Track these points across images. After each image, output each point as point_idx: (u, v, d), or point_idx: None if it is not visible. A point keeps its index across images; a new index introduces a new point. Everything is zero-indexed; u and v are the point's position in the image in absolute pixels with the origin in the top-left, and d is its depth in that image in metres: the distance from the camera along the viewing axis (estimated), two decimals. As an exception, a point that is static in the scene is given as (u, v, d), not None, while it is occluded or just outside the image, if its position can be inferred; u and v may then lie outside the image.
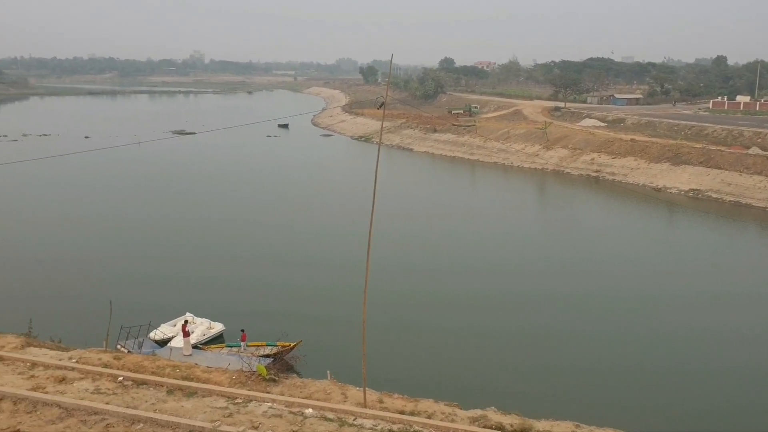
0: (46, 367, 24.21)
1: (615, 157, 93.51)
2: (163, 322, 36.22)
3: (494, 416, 21.92)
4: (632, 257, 54.00)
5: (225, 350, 33.32)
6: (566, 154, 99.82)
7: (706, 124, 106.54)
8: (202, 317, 37.24)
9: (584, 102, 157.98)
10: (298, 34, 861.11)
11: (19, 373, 23.61)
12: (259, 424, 20.47)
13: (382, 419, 21.01)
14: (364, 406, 21.86)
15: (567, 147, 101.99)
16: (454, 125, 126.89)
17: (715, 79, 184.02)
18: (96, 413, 20.81)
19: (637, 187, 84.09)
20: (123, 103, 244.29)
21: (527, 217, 70.02)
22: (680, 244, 60.17)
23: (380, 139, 27.06)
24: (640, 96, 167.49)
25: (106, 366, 24.44)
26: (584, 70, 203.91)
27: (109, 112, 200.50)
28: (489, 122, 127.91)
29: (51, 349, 26.57)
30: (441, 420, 21.27)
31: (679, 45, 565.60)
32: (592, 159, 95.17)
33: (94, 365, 24.44)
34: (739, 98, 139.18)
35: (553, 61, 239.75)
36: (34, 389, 22.28)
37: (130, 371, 24.02)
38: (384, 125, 26.92)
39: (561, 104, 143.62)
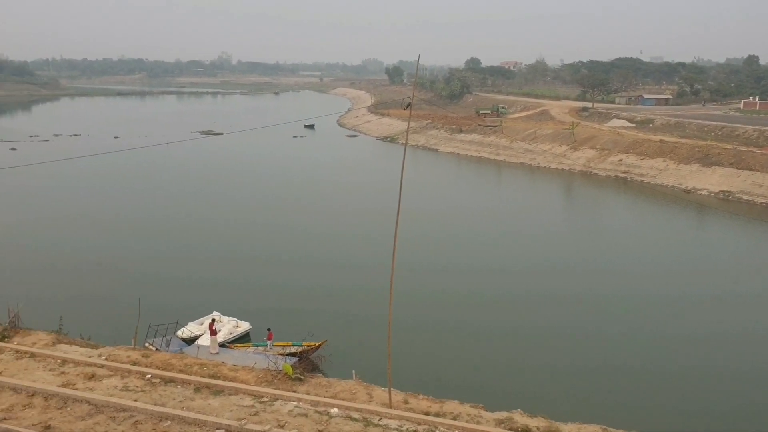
0: (76, 364, 24.58)
1: (644, 158, 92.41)
2: (191, 321, 36.58)
3: (520, 419, 21.78)
4: (660, 259, 53.36)
5: (251, 349, 33.52)
6: (594, 154, 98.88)
7: (737, 125, 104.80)
8: (228, 316, 37.54)
9: (612, 102, 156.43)
10: (324, 35, 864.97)
11: (50, 370, 24.00)
12: (285, 423, 20.58)
13: (408, 420, 21.00)
14: (390, 406, 21.86)
15: (595, 148, 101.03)
16: (480, 125, 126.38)
17: (746, 79, 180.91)
18: (125, 410, 21.09)
19: (666, 188, 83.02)
20: (152, 104, 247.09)
21: (554, 218, 69.46)
22: (710, 246, 59.30)
23: (406, 140, 27.04)
24: (669, 96, 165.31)
25: (134, 363, 24.74)
26: (612, 70, 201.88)
27: (138, 112, 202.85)
28: (515, 122, 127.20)
29: (81, 346, 26.97)
30: (466, 422, 21.19)
31: (709, 44, 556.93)
32: (621, 160, 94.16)
33: (122, 363, 24.75)
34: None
35: (580, 61, 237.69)
36: (65, 386, 22.64)
37: (158, 369, 24.29)
38: (409, 125, 26.95)
39: (588, 104, 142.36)
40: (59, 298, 39.80)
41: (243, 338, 36.40)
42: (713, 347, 36.62)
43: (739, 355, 35.71)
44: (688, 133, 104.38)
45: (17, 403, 21.52)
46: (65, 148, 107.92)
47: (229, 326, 36.40)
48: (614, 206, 77.59)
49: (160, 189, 78.81)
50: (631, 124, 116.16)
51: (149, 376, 23.69)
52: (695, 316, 41.22)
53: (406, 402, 22.45)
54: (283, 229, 60.65)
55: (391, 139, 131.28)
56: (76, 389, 22.39)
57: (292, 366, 24.91)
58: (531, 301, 43.13)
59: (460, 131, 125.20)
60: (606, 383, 32.37)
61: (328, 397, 22.47)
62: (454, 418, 21.34)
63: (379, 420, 21.02)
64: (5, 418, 20.55)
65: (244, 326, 37.17)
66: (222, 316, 37.24)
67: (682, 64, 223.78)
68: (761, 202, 73.94)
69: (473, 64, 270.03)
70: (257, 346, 34.05)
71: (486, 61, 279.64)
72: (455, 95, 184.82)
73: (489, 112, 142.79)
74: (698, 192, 79.93)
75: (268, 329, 33.93)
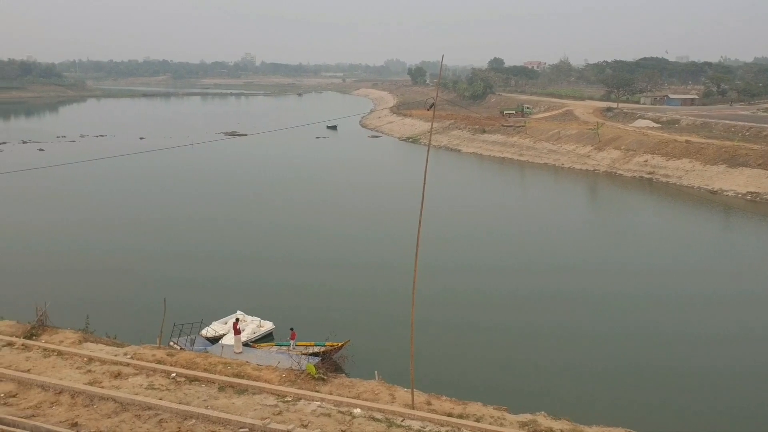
0: (103, 362, 24.89)
1: (669, 159, 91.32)
2: (215, 320, 36.84)
3: (544, 421, 21.65)
4: (685, 259, 52.77)
5: (274, 348, 33.65)
6: (619, 155, 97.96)
7: (766, 125, 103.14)
8: (252, 315, 37.75)
9: (637, 102, 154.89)
10: (347, 36, 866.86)
11: (77, 368, 24.32)
12: (308, 422, 20.65)
13: (431, 421, 20.97)
14: (412, 407, 21.85)
15: (619, 148, 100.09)
16: (503, 126, 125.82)
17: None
18: (150, 408, 21.31)
19: (692, 189, 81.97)
20: (176, 105, 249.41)
21: (577, 218, 68.91)
22: (737, 247, 58.41)
23: (429, 141, 27.01)
24: (696, 96, 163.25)
25: (159, 362, 24.99)
26: (637, 70, 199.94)
27: (163, 113, 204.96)
28: (539, 123, 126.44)
29: (107, 344, 27.32)
30: (490, 424, 21.12)
31: (736, 44, 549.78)
32: (646, 160, 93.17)
33: (148, 361, 25.01)
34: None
35: (605, 61, 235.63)
36: (91, 383, 22.93)
37: (183, 368, 24.51)
38: (432, 126, 26.89)
39: (613, 105, 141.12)
40: (86, 298, 40.25)
41: (266, 338, 36.56)
42: (740, 348, 36.04)
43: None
44: (715, 133, 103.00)
45: (45, 401, 21.85)
46: (91, 148, 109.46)
47: (253, 326, 36.60)
48: (639, 207, 76.74)
49: (185, 190, 79.48)
50: (656, 125, 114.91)
51: (174, 374, 23.92)
52: (722, 316, 40.61)
53: (428, 403, 22.44)
54: (306, 229, 60.82)
55: (413, 140, 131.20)
56: (103, 387, 22.67)
57: (315, 366, 25.01)
58: (554, 301, 42.80)
59: (483, 131, 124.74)
60: (631, 385, 31.92)
61: (350, 398, 22.52)
62: (477, 420, 21.27)
63: (402, 421, 21.01)
64: (33, 415, 20.87)
65: (268, 326, 37.34)
66: (245, 315, 37.45)
67: (709, 64, 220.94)
68: (790, 204, 72.75)
69: (496, 64, 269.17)
70: (280, 345, 34.17)
71: (509, 61, 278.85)
72: (478, 95, 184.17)
73: (513, 112, 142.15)
74: (725, 193, 78.81)
75: (291, 329, 34.05)
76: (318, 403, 22.06)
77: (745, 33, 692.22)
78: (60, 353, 25.57)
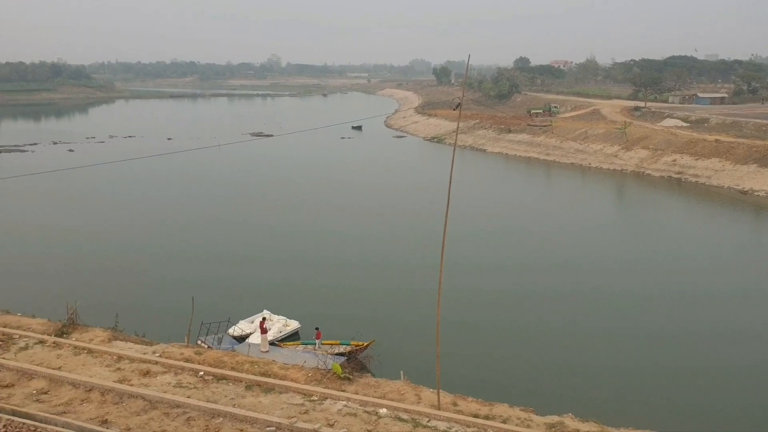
0: (132, 360, 25.20)
1: (698, 159, 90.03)
2: (242, 319, 37.12)
3: (571, 423, 21.49)
4: (714, 259, 52.02)
5: (300, 347, 33.82)
6: (647, 155, 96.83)
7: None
8: (278, 315, 37.97)
9: (665, 101, 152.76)
10: (371, 36, 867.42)
11: (107, 366, 24.66)
12: (335, 422, 20.71)
13: (456, 422, 20.91)
14: (438, 408, 21.81)
15: (647, 148, 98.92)
16: (529, 125, 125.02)
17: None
18: (178, 406, 21.53)
19: (722, 189, 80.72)
20: (203, 106, 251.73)
21: (605, 218, 68.19)
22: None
23: (455, 140, 26.94)
24: (725, 95, 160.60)
25: (187, 360, 25.23)
26: (665, 68, 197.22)
27: (190, 114, 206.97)
28: (565, 122, 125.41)
29: (136, 343, 27.65)
30: (516, 425, 21.02)
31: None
32: (674, 160, 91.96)
33: (176, 360, 25.27)
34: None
35: (632, 60, 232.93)
36: (121, 381, 23.23)
37: (211, 366, 24.72)
38: (458, 126, 26.72)
39: (641, 104, 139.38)
40: (115, 297, 40.75)
41: (292, 337, 36.73)
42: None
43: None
44: (746, 132, 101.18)
45: (76, 398, 22.18)
46: (120, 149, 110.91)
47: (279, 325, 36.80)
48: (668, 207, 75.82)
49: (213, 191, 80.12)
50: (685, 124, 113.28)
51: (202, 373, 24.14)
52: (755, 315, 39.96)
53: (454, 404, 22.38)
54: (331, 229, 61.00)
55: (438, 140, 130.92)
56: (132, 385, 22.95)
57: (340, 365, 25.09)
58: (580, 301, 42.47)
59: (509, 131, 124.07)
60: (662, 386, 31.44)
61: (376, 398, 22.55)
62: (504, 422, 21.17)
63: (428, 421, 20.99)
64: (65, 412, 21.20)
65: (293, 325, 37.52)
66: (272, 314, 37.68)
67: (739, 62, 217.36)
68: (824, 204, 71.32)
69: (522, 64, 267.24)
70: (306, 344, 34.34)
71: (535, 61, 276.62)
72: (504, 95, 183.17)
73: (541, 111, 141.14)
74: (756, 193, 77.46)
75: (316, 328, 34.20)
76: (344, 402, 22.12)
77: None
78: (90, 351, 25.94)
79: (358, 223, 63.34)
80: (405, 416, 21.26)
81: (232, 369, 24.55)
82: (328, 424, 20.53)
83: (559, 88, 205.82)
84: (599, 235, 60.52)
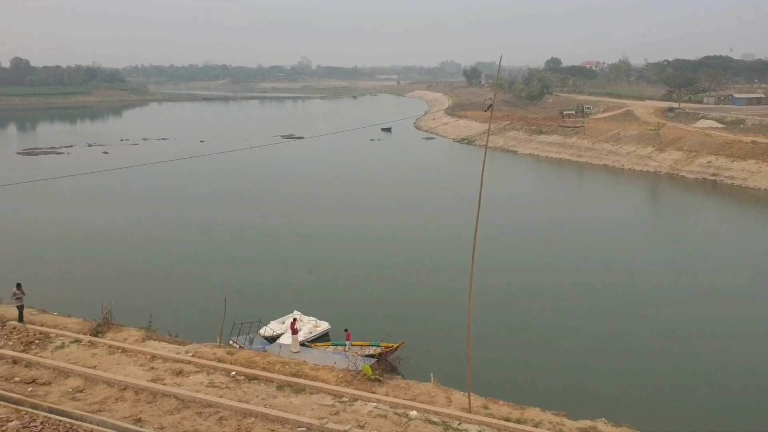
0: (165, 359, 25.50)
1: (734, 160, 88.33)
2: (273, 320, 37.34)
3: (605, 428, 21.23)
4: (751, 261, 50.90)
5: (330, 348, 33.90)
6: (681, 156, 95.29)
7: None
8: (308, 316, 38.12)
9: (700, 102, 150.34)
10: (401, 38, 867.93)
11: (140, 365, 24.98)
12: (365, 423, 20.72)
13: (488, 426, 20.78)
14: (469, 411, 21.70)
15: (681, 149, 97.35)
16: (561, 126, 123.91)
17: None
18: (210, 406, 21.72)
19: (759, 191, 79.08)
20: (235, 109, 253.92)
21: (637, 220, 67.23)
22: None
23: (486, 142, 26.81)
24: (762, 95, 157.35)
25: (219, 360, 25.45)
26: (700, 69, 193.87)
27: (223, 117, 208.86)
28: (597, 123, 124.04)
29: (169, 342, 27.98)
30: (548, 430, 20.82)
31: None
32: (709, 162, 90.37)
33: (208, 359, 25.50)
34: None
35: (666, 60, 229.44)
36: (154, 380, 23.52)
37: (242, 366, 24.91)
38: (490, 127, 26.55)
39: (675, 105, 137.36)
40: (148, 298, 41.26)
41: (322, 338, 36.84)
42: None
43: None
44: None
45: (110, 396, 22.51)
46: (153, 151, 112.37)
47: (309, 325, 36.95)
48: (703, 209, 74.53)
49: (243, 193, 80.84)
50: (720, 125, 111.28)
51: (234, 373, 24.33)
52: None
53: (485, 407, 22.24)
54: (359, 230, 61.11)
55: (468, 141, 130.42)
56: (165, 384, 23.23)
57: (371, 367, 25.08)
58: (614, 302, 41.90)
59: (540, 132, 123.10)
60: (698, 389, 30.84)
61: (407, 400, 22.51)
62: (536, 426, 20.99)
63: (459, 424, 20.89)
64: (99, 410, 21.53)
65: (324, 326, 37.65)
66: (302, 315, 37.84)
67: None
68: None
69: (553, 64, 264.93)
70: (336, 345, 34.42)
71: (567, 61, 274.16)
72: (535, 96, 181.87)
73: (573, 112, 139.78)
74: (795, 195, 75.84)
75: (346, 330, 34.27)
76: (374, 404, 22.12)
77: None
78: (124, 350, 26.32)
79: (387, 225, 63.31)
80: (435, 419, 21.19)
81: (264, 369, 24.70)
82: (359, 426, 20.55)
83: (591, 89, 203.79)
84: (630, 237, 59.67)
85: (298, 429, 20.32)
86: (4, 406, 21.49)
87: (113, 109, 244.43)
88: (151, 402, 22.13)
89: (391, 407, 21.91)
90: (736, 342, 36.14)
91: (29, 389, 22.97)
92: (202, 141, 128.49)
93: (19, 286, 28.76)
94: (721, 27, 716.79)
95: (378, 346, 33.69)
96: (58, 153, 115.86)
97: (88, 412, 21.20)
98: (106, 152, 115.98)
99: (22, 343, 26.84)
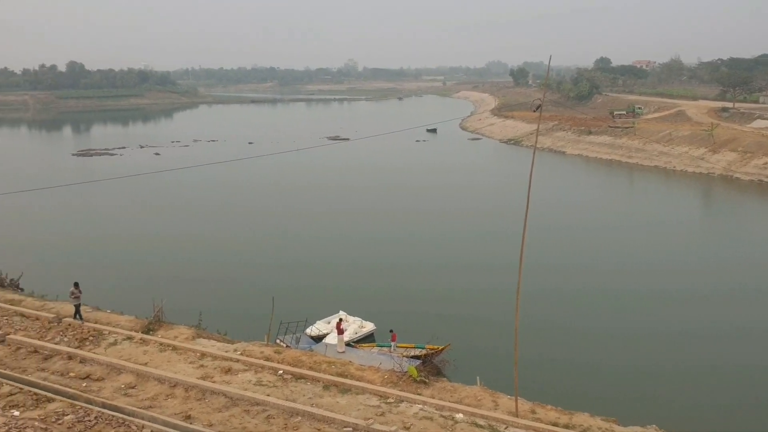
0: (214, 357, 25.89)
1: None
2: (319, 320, 37.60)
3: (656, 435, 20.75)
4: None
5: (376, 349, 33.92)
6: (735, 157, 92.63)
7: None
8: (354, 316, 38.28)
9: (756, 102, 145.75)
10: (447, 39, 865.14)
11: (190, 363, 25.41)
12: (411, 425, 20.67)
13: (535, 430, 20.52)
14: (516, 415, 21.45)
15: (736, 150, 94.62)
16: (610, 127, 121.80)
17: None
18: (258, 404, 21.96)
19: (819, 193, 76.48)
20: (282, 111, 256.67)
21: (690, 221, 65.68)
22: None
23: (535, 142, 26.51)
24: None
25: (267, 359, 25.72)
26: (756, 67, 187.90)
27: (270, 119, 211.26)
28: (648, 124, 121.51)
29: (218, 341, 28.38)
30: (597, 435, 20.44)
31: None
32: (765, 163, 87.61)
33: (256, 358, 25.79)
34: None
35: (719, 59, 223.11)
36: (203, 378, 23.89)
37: (289, 365, 25.11)
38: (535, 128, 26.23)
39: (729, 105, 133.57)
40: (198, 297, 41.94)
41: (367, 338, 36.95)
42: None
43: None
44: None
45: (161, 393, 22.96)
46: (203, 153, 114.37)
47: (355, 326, 37.10)
48: (759, 212, 72.30)
49: (290, 194, 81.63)
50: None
51: (281, 372, 24.56)
52: None
53: (533, 412, 21.95)
54: (405, 232, 61.09)
55: (515, 142, 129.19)
56: (214, 382, 23.58)
57: (416, 368, 25.02)
58: (668, 304, 41.01)
59: (589, 133, 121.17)
60: (756, 393, 29.91)
61: (453, 402, 22.37)
62: (585, 431, 20.63)
63: (506, 428, 20.67)
64: (151, 406, 21.97)
65: (369, 326, 37.75)
66: (348, 315, 38.02)
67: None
68: None
69: (603, 64, 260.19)
70: (381, 346, 34.41)
71: (616, 61, 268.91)
72: (583, 96, 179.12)
73: (624, 112, 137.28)
74: None
75: (391, 330, 34.21)
76: (420, 406, 22.06)
77: None
78: (175, 348, 26.81)
79: (433, 225, 63.19)
80: (482, 422, 21.00)
81: (310, 368, 24.87)
82: (405, 427, 20.51)
83: (641, 88, 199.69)
84: (682, 238, 58.33)
85: (345, 429, 20.40)
86: (61, 401, 22.13)
87: (164, 111, 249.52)
88: (200, 399, 22.49)
89: (437, 409, 21.81)
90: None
91: (84, 384, 23.59)
92: (250, 143, 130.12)
93: (76, 285, 29.58)
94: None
95: (423, 348, 33.56)
96: (111, 154, 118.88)
97: (140, 408, 21.67)
98: (157, 153, 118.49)
99: (76, 339, 27.59)
